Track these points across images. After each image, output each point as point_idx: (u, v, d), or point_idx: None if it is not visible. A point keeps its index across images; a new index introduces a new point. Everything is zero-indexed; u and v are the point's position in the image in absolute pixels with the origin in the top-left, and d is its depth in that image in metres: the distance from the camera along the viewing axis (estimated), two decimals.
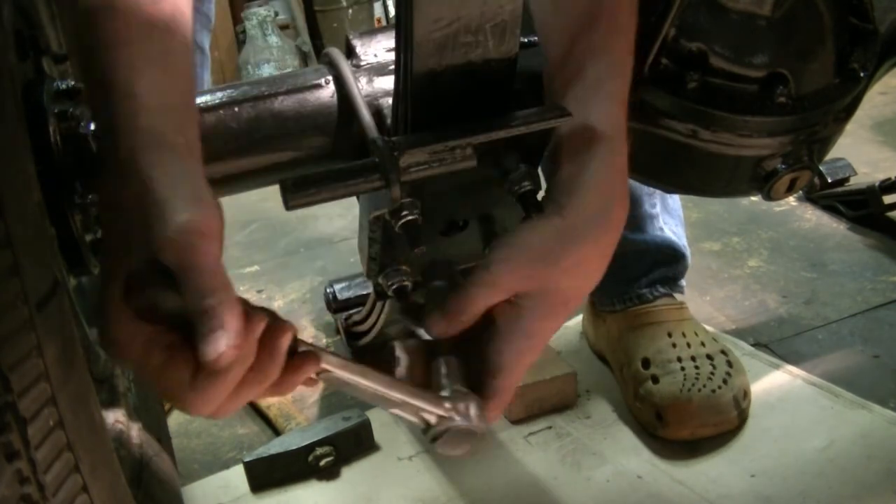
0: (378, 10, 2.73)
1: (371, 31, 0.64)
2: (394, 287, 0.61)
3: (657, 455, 0.91)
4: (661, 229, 1.01)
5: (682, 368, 0.93)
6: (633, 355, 0.97)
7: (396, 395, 0.49)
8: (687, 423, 0.89)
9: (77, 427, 0.34)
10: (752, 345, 1.09)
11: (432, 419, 0.49)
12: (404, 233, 0.55)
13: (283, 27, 2.81)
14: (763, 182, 0.65)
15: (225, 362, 0.37)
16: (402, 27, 0.51)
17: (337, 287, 1.17)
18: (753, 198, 1.50)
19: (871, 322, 1.12)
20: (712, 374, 0.92)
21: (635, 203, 0.99)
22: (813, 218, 1.43)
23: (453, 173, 0.54)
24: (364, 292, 1.15)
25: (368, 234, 0.60)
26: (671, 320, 0.99)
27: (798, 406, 0.97)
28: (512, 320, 0.51)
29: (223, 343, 0.37)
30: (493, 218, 0.61)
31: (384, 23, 2.75)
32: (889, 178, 1.34)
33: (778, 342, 1.10)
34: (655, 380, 0.93)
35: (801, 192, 1.49)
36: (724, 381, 0.91)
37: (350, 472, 0.93)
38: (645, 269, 1.01)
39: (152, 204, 0.36)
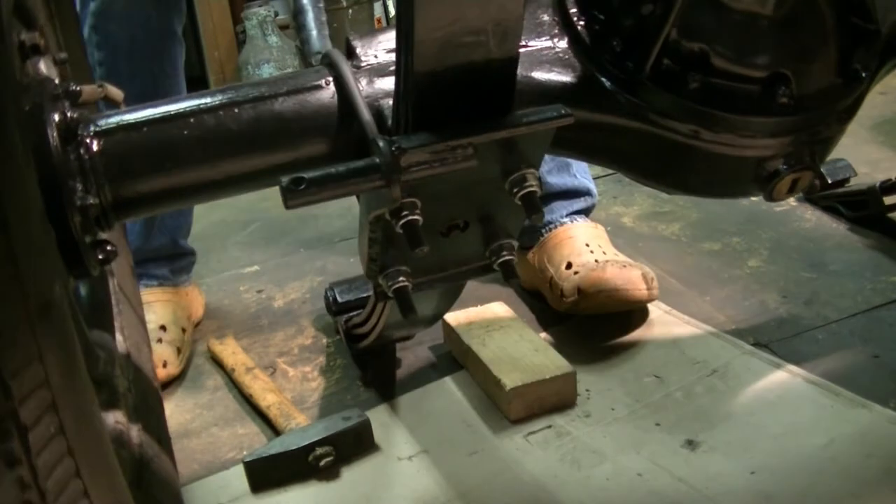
0: (378, 10, 2.73)
1: (371, 32, 0.64)
2: (394, 288, 0.60)
3: (657, 453, 0.91)
4: (575, 175, 1.24)
5: (596, 261, 1.10)
6: (557, 264, 1.13)
7: None
8: (602, 289, 1.03)
9: (78, 433, 0.34)
10: (752, 344, 1.09)
11: None
12: (405, 233, 0.54)
13: (283, 27, 2.81)
14: (765, 183, 0.65)
15: None
16: (403, 27, 0.51)
17: (337, 290, 1.17)
18: (754, 198, 1.50)
19: (871, 322, 1.12)
20: (624, 265, 1.10)
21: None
22: (813, 218, 1.43)
23: (454, 173, 0.54)
24: (364, 294, 1.14)
25: (369, 234, 0.59)
26: (588, 234, 1.18)
27: (798, 404, 0.97)
28: None
29: None
30: (493, 219, 0.61)
31: (384, 23, 2.75)
32: (889, 179, 1.34)
33: (778, 342, 1.10)
34: (577, 272, 1.09)
35: (801, 192, 1.49)
36: (632, 265, 1.09)
37: (350, 472, 0.93)
38: (566, 204, 1.22)
39: None
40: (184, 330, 1.21)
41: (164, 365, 1.12)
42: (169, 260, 1.26)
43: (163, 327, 1.17)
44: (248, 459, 0.90)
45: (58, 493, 0.32)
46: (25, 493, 0.30)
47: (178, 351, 1.16)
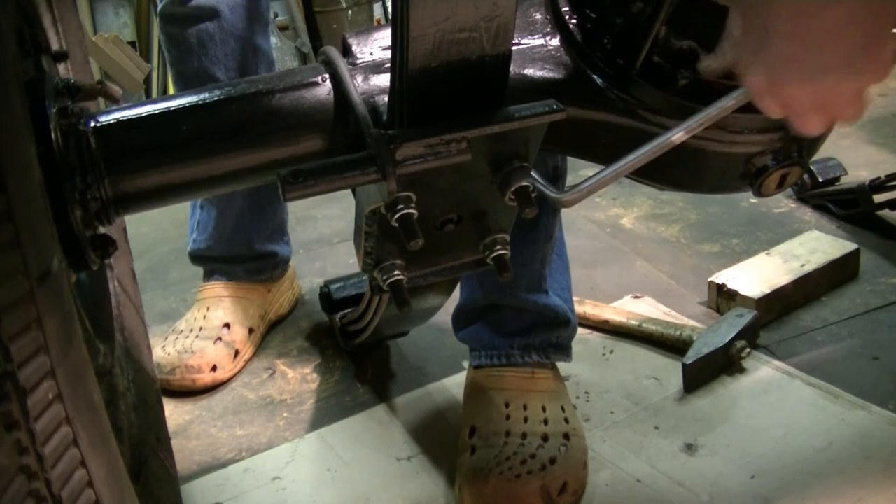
0: (378, 11, 2.75)
1: (367, 30, 0.65)
2: (389, 281, 0.61)
3: (656, 457, 0.91)
4: (546, 292, 0.92)
5: (505, 444, 0.82)
6: (465, 420, 0.90)
7: None
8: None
9: (75, 402, 0.35)
10: (752, 346, 1.09)
11: None
12: (400, 226, 0.55)
13: (283, 28, 2.82)
14: (753, 178, 0.66)
15: None
16: (398, 23, 0.52)
17: (333, 287, 1.17)
18: (753, 199, 1.51)
19: (870, 324, 1.12)
20: (532, 456, 0.81)
21: (525, 264, 0.90)
22: (812, 220, 1.43)
23: (449, 167, 0.55)
24: (358, 292, 1.15)
25: (364, 228, 0.60)
26: (514, 389, 0.89)
27: (797, 407, 0.97)
28: None
29: None
30: (486, 213, 0.62)
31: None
32: (879, 177, 1.35)
33: (777, 344, 1.10)
34: (473, 451, 0.84)
35: (794, 192, 1.50)
36: (542, 468, 0.79)
37: (348, 472, 0.93)
38: (522, 329, 0.92)
39: None
40: (251, 330, 1.17)
41: (213, 369, 1.10)
42: (243, 262, 1.21)
43: (227, 325, 1.15)
44: (688, 362, 0.99)
45: (56, 460, 0.32)
46: (23, 458, 0.31)
47: (236, 353, 1.13)
